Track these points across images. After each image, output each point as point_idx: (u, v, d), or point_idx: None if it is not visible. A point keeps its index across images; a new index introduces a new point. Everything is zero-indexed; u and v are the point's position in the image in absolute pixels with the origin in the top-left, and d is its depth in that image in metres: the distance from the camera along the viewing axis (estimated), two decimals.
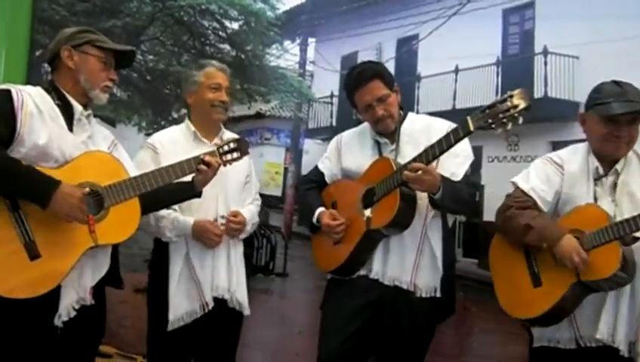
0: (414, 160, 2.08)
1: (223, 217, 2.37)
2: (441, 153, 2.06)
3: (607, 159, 2.05)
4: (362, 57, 12.48)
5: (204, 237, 2.32)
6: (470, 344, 6.18)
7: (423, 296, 2.23)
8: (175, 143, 2.41)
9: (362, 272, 2.27)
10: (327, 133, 14.97)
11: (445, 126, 2.21)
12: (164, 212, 2.29)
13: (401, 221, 2.16)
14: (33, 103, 1.84)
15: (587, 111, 2.08)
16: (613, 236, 1.86)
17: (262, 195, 2.73)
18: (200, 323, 2.35)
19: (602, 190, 2.04)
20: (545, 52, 10.87)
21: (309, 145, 17.23)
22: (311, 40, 16.57)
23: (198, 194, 2.20)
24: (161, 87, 11.39)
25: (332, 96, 16.22)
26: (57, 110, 1.91)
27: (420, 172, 2.04)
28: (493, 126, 1.93)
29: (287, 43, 14.82)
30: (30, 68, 3.27)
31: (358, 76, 2.30)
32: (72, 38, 1.98)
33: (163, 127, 3.41)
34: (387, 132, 2.31)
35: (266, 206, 7.48)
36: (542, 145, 10.90)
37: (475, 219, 9.95)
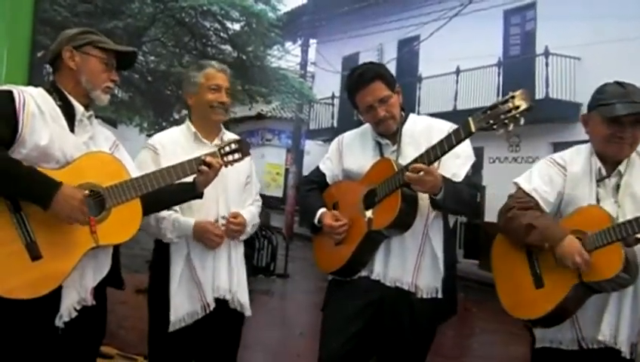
0: (416, 161, 2.08)
1: (223, 218, 2.37)
2: (443, 154, 2.06)
3: (610, 160, 2.04)
4: (363, 58, 12.49)
5: (204, 238, 2.32)
6: (471, 345, 6.18)
7: (424, 296, 2.22)
8: (175, 144, 2.41)
9: (363, 273, 2.27)
10: (328, 134, 14.98)
11: (446, 127, 2.21)
12: (164, 213, 2.29)
13: (403, 222, 2.15)
14: (35, 104, 1.84)
15: (590, 112, 2.08)
16: (615, 237, 1.86)
17: (263, 196, 2.73)
18: (201, 324, 2.34)
19: (605, 191, 2.03)
20: (546, 53, 10.86)
21: (310, 146, 17.24)
22: (312, 41, 16.62)
23: (200, 195, 2.20)
24: (162, 88, 11.41)
25: (333, 97, 16.23)
26: (59, 111, 1.91)
27: (421, 173, 2.04)
28: (494, 127, 1.93)
29: (288, 44, 14.90)
30: (32, 69, 3.27)
31: (359, 77, 2.29)
32: (74, 39, 1.98)
33: (164, 128, 3.42)
34: (389, 133, 2.31)
35: (267, 207, 7.48)
36: (543, 146, 10.91)
37: (476, 220, 9.97)
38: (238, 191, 2.47)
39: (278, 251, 9.03)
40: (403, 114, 2.35)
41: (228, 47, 11.48)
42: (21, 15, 3.20)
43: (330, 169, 2.47)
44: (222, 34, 11.34)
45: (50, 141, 1.83)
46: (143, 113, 11.95)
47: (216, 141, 2.43)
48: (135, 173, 2.02)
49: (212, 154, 2.13)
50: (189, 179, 2.13)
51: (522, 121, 1.90)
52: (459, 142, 2.02)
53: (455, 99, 12.45)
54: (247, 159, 2.27)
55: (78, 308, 1.89)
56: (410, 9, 13.36)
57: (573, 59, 10.67)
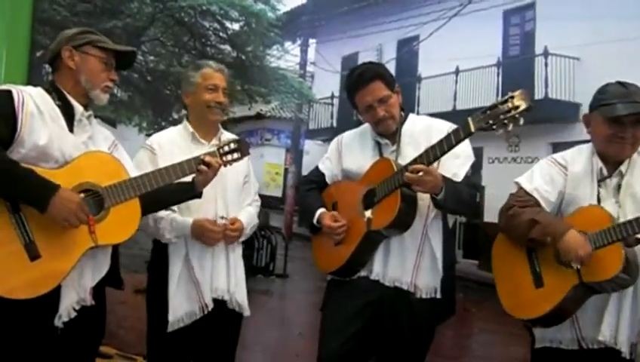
0: (415, 161, 2.08)
1: (222, 218, 2.37)
2: (442, 154, 2.06)
3: (612, 160, 2.04)
4: (363, 58, 12.46)
5: (203, 235, 2.31)
6: (470, 345, 6.18)
7: (423, 296, 2.22)
8: (173, 144, 2.41)
9: (363, 273, 2.27)
10: (327, 134, 14.97)
11: (446, 127, 2.21)
12: (162, 213, 2.29)
13: (402, 222, 2.15)
14: (34, 104, 1.84)
15: (592, 112, 2.07)
16: (616, 237, 1.86)
17: (262, 196, 2.73)
18: (200, 324, 2.34)
19: (606, 191, 2.03)
20: (545, 53, 10.87)
21: (309, 145, 17.24)
22: (311, 41, 16.60)
23: (199, 195, 2.20)
24: (161, 87, 11.41)
25: (332, 97, 16.22)
26: (58, 110, 1.91)
27: (421, 173, 2.04)
28: (494, 127, 1.93)
29: (287, 44, 14.88)
30: (31, 68, 3.27)
31: (358, 77, 2.29)
32: (73, 39, 1.98)
33: (163, 128, 3.42)
34: (388, 133, 2.30)
35: (266, 207, 7.48)
36: (542, 146, 10.92)
37: (476, 220, 9.96)
38: (236, 191, 2.46)
39: (277, 251, 9.04)
40: (402, 114, 2.35)
41: (227, 47, 11.48)
42: (20, 15, 3.20)
43: (329, 169, 2.47)
44: (221, 34, 11.35)
45: (49, 141, 1.83)
46: (142, 113, 11.94)
47: (214, 141, 2.43)
48: (134, 172, 2.02)
49: (211, 154, 2.13)
50: (188, 178, 2.12)
51: (522, 121, 1.90)
52: (458, 142, 2.02)
53: (454, 100, 12.45)
54: (245, 159, 2.27)
55: (77, 308, 1.89)
56: (410, 9, 13.36)
57: (573, 60, 10.67)
